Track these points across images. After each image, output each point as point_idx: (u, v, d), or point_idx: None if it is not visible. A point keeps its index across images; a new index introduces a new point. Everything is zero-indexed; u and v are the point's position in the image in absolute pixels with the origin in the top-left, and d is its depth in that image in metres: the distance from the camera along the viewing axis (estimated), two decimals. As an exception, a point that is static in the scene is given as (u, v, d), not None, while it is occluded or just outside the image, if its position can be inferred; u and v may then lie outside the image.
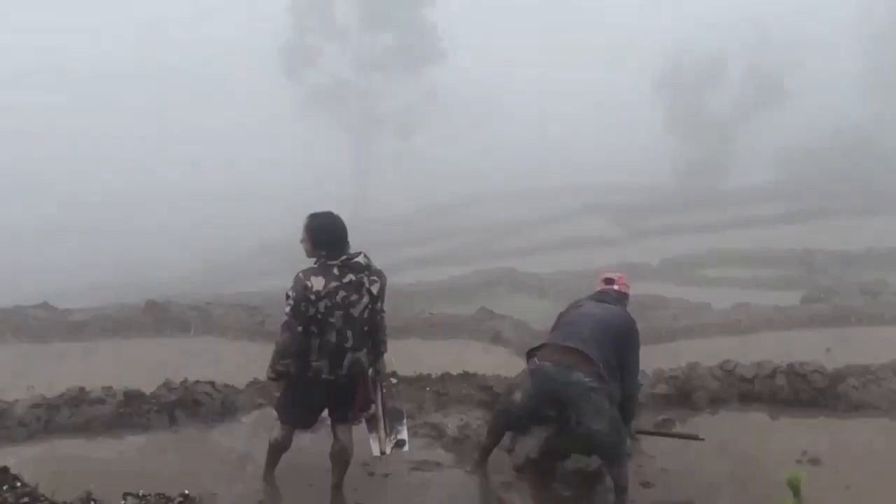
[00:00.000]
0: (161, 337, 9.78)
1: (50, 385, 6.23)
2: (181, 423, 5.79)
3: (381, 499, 4.88)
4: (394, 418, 4.85)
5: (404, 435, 4.86)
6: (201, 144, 43.46)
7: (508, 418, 5.18)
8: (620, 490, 4.85)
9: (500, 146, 43.37)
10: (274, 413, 4.87)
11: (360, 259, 4.44)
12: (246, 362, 7.76)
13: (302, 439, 4.80)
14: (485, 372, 7.01)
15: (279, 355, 4.44)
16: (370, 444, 4.78)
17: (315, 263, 4.44)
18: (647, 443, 5.59)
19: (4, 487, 4.21)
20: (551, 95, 49.29)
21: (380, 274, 4.54)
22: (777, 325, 10.61)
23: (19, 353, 9.01)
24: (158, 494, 4.35)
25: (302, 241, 4.51)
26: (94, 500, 4.30)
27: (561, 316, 5.25)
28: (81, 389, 5.90)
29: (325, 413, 4.71)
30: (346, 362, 4.44)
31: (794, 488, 4.46)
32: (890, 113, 33.65)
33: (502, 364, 7.97)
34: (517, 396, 5.06)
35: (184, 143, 43.53)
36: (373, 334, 4.60)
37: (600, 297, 5.29)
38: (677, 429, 5.81)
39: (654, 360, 5.86)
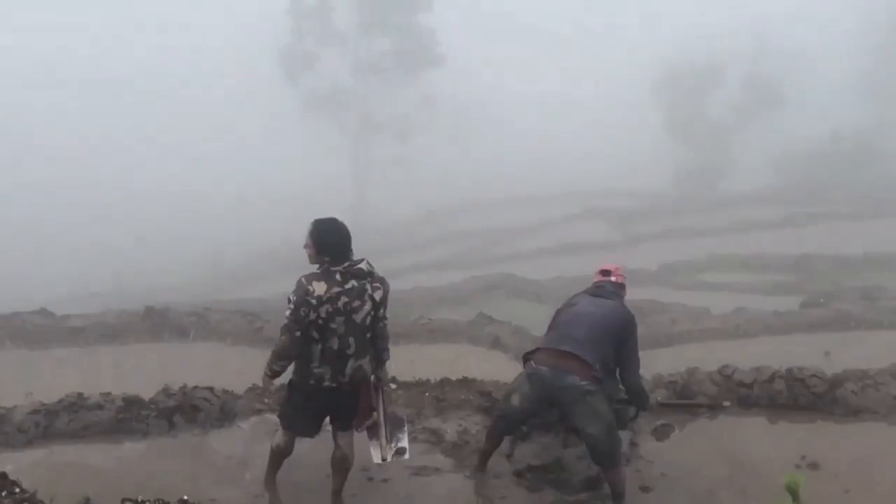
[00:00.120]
0: (159, 343, 9.78)
1: (48, 391, 6.21)
2: (180, 429, 5.78)
3: (380, 504, 4.88)
4: (394, 426, 4.85)
5: (405, 443, 4.85)
6: (199, 149, 43.49)
7: (507, 423, 5.18)
8: (618, 496, 4.85)
9: (498, 151, 43.43)
10: (273, 419, 4.87)
11: (363, 266, 4.43)
12: (245, 368, 7.74)
13: (302, 445, 4.80)
14: (484, 377, 7.01)
15: (276, 356, 4.45)
16: (370, 450, 4.77)
17: (318, 269, 4.43)
18: (646, 448, 5.60)
19: (3, 493, 4.19)
20: (550, 101, 49.37)
21: (382, 281, 4.53)
22: (776, 330, 10.63)
23: (18, 360, 9.00)
24: (157, 500, 4.33)
25: (305, 247, 4.49)
26: (93, 507, 4.30)
27: (557, 314, 5.23)
28: (80, 395, 5.89)
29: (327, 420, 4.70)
30: (348, 369, 4.43)
31: (793, 493, 4.44)
32: (888, 117, 33.77)
33: (501, 369, 7.98)
34: (514, 401, 5.05)
35: (182, 148, 43.57)
36: (375, 342, 4.59)
37: (596, 291, 5.29)
38: (676, 434, 5.82)
39: (652, 364, 5.86)
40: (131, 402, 5.87)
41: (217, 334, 10.08)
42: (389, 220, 34.21)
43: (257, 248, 30.64)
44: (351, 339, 4.39)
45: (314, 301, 4.29)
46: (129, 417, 5.76)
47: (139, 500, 4.34)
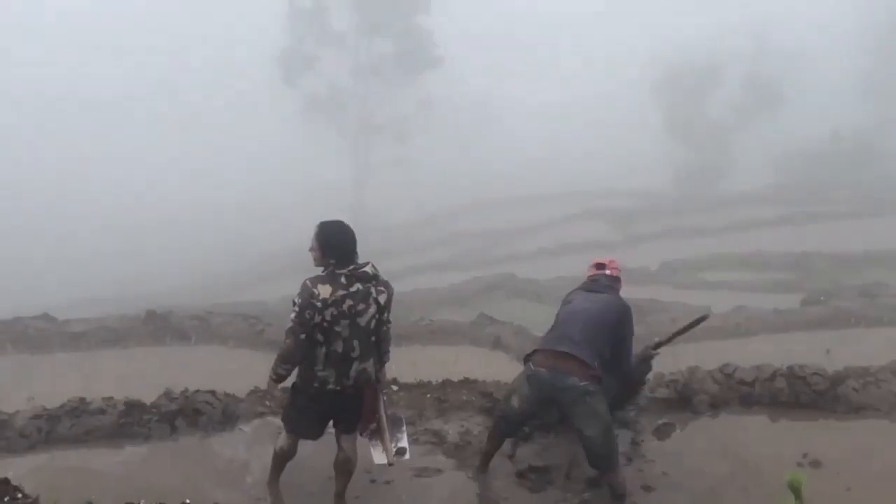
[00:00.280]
0: (161, 346, 9.78)
1: (50, 396, 6.21)
2: (182, 433, 5.78)
3: (382, 506, 4.88)
4: (394, 426, 4.86)
5: (405, 443, 4.86)
6: (199, 152, 43.51)
7: (507, 425, 5.18)
8: (619, 497, 4.86)
9: (497, 152, 43.44)
10: (275, 422, 4.87)
11: (368, 269, 4.42)
12: (246, 371, 7.74)
13: (305, 448, 4.80)
14: (485, 378, 7.01)
15: (282, 360, 4.43)
16: (371, 453, 4.77)
17: (323, 272, 4.42)
18: (648, 447, 5.60)
19: (6, 499, 4.21)
20: (549, 101, 49.40)
21: (387, 284, 4.52)
22: (776, 328, 10.62)
23: (19, 364, 9.00)
24: (159, 504, 4.36)
25: (311, 250, 4.47)
26: (96, 511, 4.31)
27: (557, 315, 5.24)
28: (82, 400, 5.90)
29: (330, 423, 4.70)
30: (352, 372, 4.42)
31: (795, 491, 4.45)
32: (887, 117, 33.78)
33: (503, 370, 7.96)
34: (514, 402, 5.06)
35: (182, 152, 43.58)
36: (378, 345, 4.59)
37: (590, 285, 5.28)
38: (677, 433, 5.83)
39: (653, 363, 5.86)
40: (133, 407, 5.88)
41: (218, 338, 10.08)
42: (389, 222, 34.22)
43: (258, 250, 30.64)
44: (355, 343, 4.38)
45: (319, 304, 4.27)
46: (130, 422, 5.76)
47: (141, 503, 4.36)
